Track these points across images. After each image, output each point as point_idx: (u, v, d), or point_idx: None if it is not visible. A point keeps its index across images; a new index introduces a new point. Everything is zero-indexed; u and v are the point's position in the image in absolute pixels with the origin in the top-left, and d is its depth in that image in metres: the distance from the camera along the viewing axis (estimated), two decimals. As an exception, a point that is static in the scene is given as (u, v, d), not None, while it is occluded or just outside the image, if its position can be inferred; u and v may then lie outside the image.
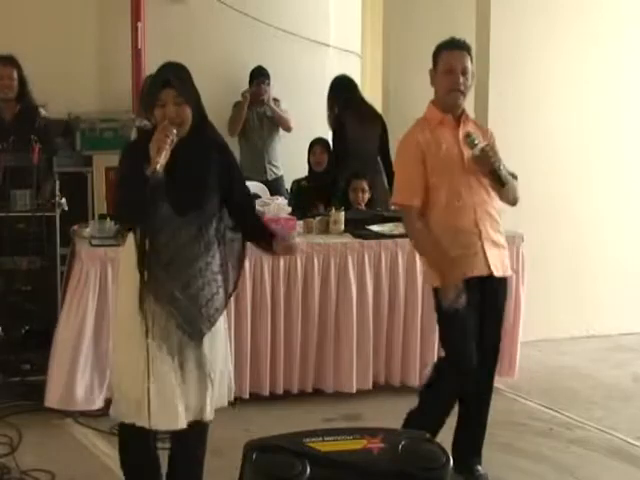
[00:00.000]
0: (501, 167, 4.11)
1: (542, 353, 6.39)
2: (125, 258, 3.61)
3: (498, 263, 4.20)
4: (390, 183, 7.27)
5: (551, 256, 6.55)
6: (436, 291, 4.20)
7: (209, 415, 3.62)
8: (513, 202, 4.27)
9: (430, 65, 4.22)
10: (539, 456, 4.70)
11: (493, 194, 4.20)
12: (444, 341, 4.31)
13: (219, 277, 3.59)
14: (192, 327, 3.52)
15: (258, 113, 7.81)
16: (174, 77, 3.49)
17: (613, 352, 6.51)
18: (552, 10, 6.52)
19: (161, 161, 3.33)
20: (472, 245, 4.14)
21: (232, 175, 3.66)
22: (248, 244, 3.74)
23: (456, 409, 4.34)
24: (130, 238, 3.56)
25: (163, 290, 3.47)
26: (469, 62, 4.15)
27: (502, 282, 4.27)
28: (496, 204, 4.25)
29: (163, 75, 3.53)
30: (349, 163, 6.93)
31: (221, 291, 3.59)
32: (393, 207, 4.46)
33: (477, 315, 4.19)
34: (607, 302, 6.82)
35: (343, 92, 7.28)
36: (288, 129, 7.87)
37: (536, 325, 6.19)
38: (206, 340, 3.57)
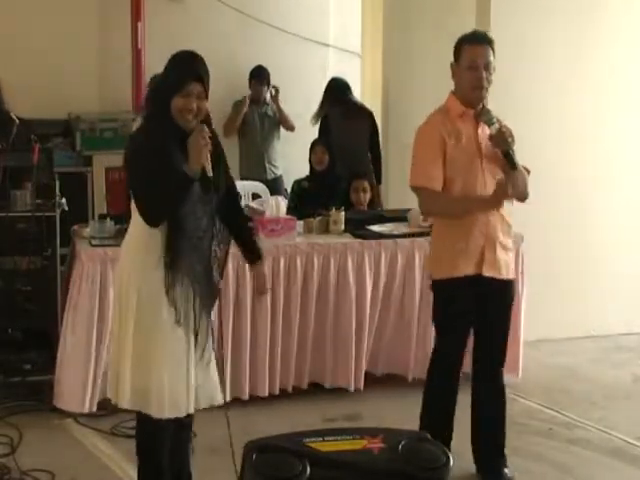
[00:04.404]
0: (514, 151, 4.06)
1: (542, 353, 6.38)
2: (134, 256, 3.59)
3: (502, 266, 4.17)
4: (378, 179, 7.31)
5: (551, 256, 6.54)
6: (434, 285, 4.22)
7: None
8: (524, 196, 4.20)
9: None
10: (539, 456, 4.70)
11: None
12: (436, 333, 4.39)
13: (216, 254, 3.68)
14: (209, 300, 3.61)
15: (259, 113, 7.82)
16: (205, 73, 3.51)
17: (613, 352, 6.51)
18: (553, 8, 6.51)
19: (208, 166, 3.43)
20: (476, 243, 4.10)
21: (225, 166, 3.72)
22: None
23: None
24: (136, 239, 3.58)
25: (187, 263, 3.51)
26: (491, 56, 4.09)
27: (507, 284, 4.24)
28: (508, 206, 4.20)
29: (194, 68, 3.51)
30: (336, 157, 6.92)
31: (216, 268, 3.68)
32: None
33: (474, 316, 4.22)
34: (607, 302, 6.82)
35: (334, 91, 7.41)
36: (291, 128, 7.87)
37: (536, 325, 6.18)
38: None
